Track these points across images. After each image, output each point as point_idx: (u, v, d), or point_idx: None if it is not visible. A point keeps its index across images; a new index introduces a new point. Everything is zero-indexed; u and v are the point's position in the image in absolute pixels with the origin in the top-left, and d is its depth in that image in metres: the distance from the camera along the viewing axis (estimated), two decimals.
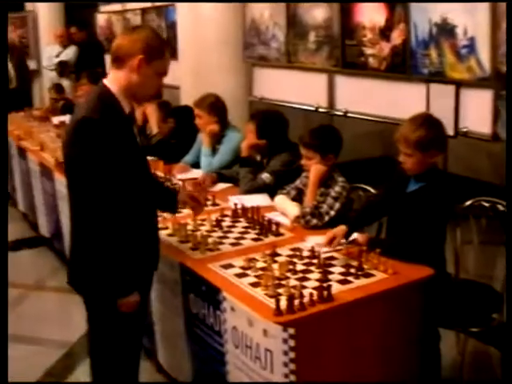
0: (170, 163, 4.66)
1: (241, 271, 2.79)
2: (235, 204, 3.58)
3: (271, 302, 2.46)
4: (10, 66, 8.28)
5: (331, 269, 2.78)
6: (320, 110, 5.21)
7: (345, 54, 4.83)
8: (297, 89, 5.48)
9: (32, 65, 9.52)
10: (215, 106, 4.40)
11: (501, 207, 3.28)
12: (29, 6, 10.25)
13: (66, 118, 6.69)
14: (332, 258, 2.91)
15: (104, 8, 8.96)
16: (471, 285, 3.27)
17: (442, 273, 2.94)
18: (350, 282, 2.66)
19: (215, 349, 2.76)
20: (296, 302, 2.41)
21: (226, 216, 3.52)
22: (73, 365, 3.75)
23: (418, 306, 2.74)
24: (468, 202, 3.38)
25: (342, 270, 2.76)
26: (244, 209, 3.53)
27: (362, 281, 2.66)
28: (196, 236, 3.17)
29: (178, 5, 6.04)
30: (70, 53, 8.41)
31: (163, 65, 2.56)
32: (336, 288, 2.58)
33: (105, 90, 2.52)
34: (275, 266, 2.80)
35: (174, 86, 6.07)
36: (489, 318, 3.14)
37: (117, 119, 2.47)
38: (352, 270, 2.73)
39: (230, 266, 2.86)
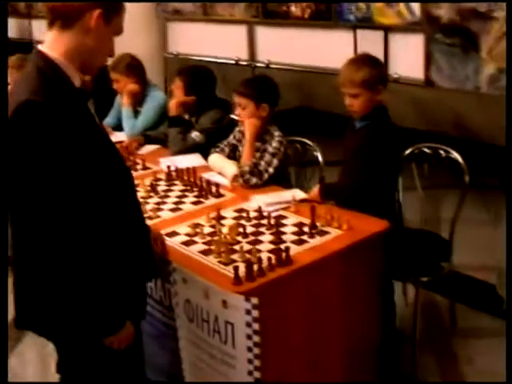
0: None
1: (188, 238, 2.60)
2: (168, 166, 3.35)
3: (227, 271, 2.29)
4: None
5: (283, 229, 2.63)
6: (241, 62, 4.99)
7: (265, 4, 4.61)
8: (215, 42, 5.24)
9: None
10: (132, 65, 4.11)
11: (442, 152, 3.22)
12: None
13: None
14: (282, 216, 2.76)
15: None
16: (419, 234, 3.21)
17: (394, 222, 2.85)
18: (304, 241, 2.52)
19: (165, 324, 2.58)
20: (255, 267, 2.25)
21: (160, 180, 3.30)
22: None
23: (376, 260, 2.64)
24: (409, 150, 3.30)
25: (295, 229, 2.62)
26: (178, 170, 3.32)
27: (317, 240, 2.52)
28: None
29: None
30: None
31: (121, 21, 1.95)
32: (292, 249, 2.43)
33: (45, 60, 1.85)
34: (224, 229, 2.62)
35: None
36: (438, 266, 3.10)
37: (66, 98, 1.82)
38: (305, 229, 2.60)
39: (175, 233, 2.66)
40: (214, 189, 3.07)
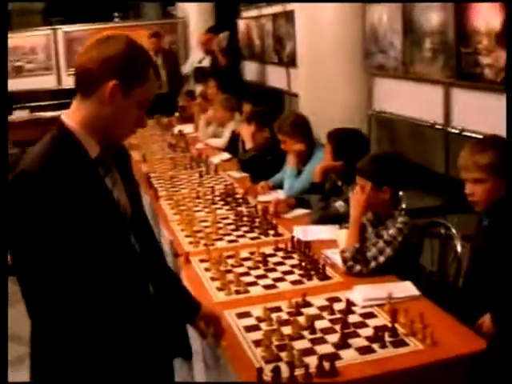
0: (257, 181, 4.34)
1: (254, 323, 2.40)
2: (292, 237, 3.17)
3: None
4: (162, 71, 8.43)
5: (360, 330, 2.29)
6: (436, 126, 4.59)
7: (460, 64, 4.18)
8: (413, 101, 4.89)
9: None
10: (296, 124, 3.99)
11: None
12: (180, 12, 10.40)
13: (185, 128, 6.62)
14: (369, 315, 2.42)
15: (245, 14, 8.82)
16: None
17: None
18: (372, 351, 2.16)
19: None
20: (285, 372, 1.98)
21: (280, 250, 3.12)
22: None
23: None
24: None
25: (370, 333, 2.26)
26: (299, 242, 3.11)
27: (387, 351, 2.15)
28: (225, 275, 2.81)
29: (297, 9, 5.68)
30: (209, 59, 8.35)
31: (146, 92, 1.84)
32: (350, 358, 2.11)
33: (61, 128, 1.82)
34: (300, 318, 2.37)
35: (293, 93, 5.72)
36: None
37: (73, 171, 1.76)
38: (384, 335, 2.23)
39: (246, 314, 2.47)
40: (321, 269, 2.82)
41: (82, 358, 1.75)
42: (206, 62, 8.40)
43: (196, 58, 8.95)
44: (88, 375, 1.75)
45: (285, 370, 2.00)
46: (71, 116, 1.84)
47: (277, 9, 7.02)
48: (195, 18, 9.97)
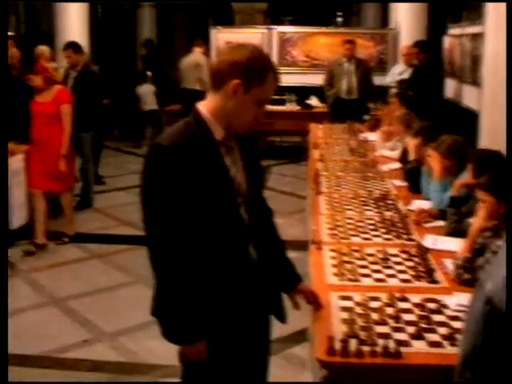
0: (415, 192, 4.63)
1: (351, 306, 2.76)
2: (418, 245, 3.45)
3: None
4: (354, 78, 8.86)
5: (440, 328, 2.56)
6: None
7: None
8: None
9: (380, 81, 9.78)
10: (453, 149, 4.12)
11: None
12: (392, 23, 10.67)
13: (370, 135, 6.97)
14: (456, 318, 2.67)
15: (451, 31, 8.88)
16: None
17: None
18: (441, 346, 2.43)
19: None
20: (353, 345, 2.34)
21: (406, 253, 3.42)
22: None
23: None
24: None
25: (447, 332, 2.53)
26: (423, 249, 3.39)
27: (455, 349, 2.38)
28: (344, 264, 3.19)
29: (487, 29, 5.78)
30: (409, 72, 8.57)
31: (264, 92, 2.29)
32: (419, 347, 2.41)
33: (196, 114, 2.34)
34: (390, 309, 2.70)
35: (473, 110, 5.82)
36: None
37: (198, 147, 2.26)
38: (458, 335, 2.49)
39: (348, 298, 2.84)
40: (432, 273, 3.09)
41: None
42: (407, 75, 8.64)
43: (398, 69, 9.22)
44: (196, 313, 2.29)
45: (354, 345, 2.36)
46: (204, 105, 2.36)
47: (477, 29, 7.09)
48: (406, 30, 10.17)
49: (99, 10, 16.14)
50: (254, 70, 2.26)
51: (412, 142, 4.95)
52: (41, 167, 6.20)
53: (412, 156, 4.97)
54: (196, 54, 10.74)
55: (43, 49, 8.25)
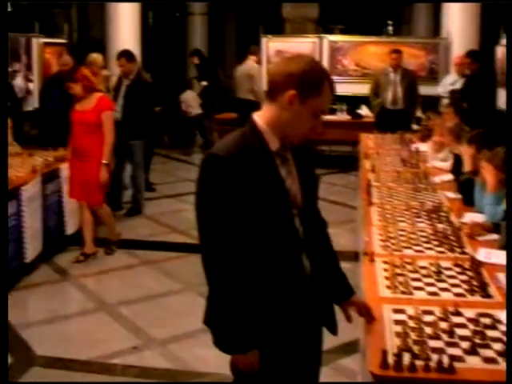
0: (469, 205, 4.57)
1: (404, 319, 2.74)
2: (471, 258, 3.41)
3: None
4: (399, 88, 8.79)
5: (494, 344, 2.52)
6: None
7: None
8: None
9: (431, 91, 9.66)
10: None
11: None
12: (444, 32, 10.55)
13: (422, 146, 6.91)
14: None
15: (504, 41, 8.74)
16: None
17: None
18: (495, 362, 2.40)
19: None
20: (406, 359, 2.33)
21: (458, 266, 3.38)
22: None
23: None
24: None
25: (502, 348, 2.49)
26: (477, 262, 3.35)
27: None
28: (396, 277, 3.17)
29: None
30: (461, 82, 8.48)
31: (320, 103, 2.29)
32: (473, 363, 2.38)
33: (252, 124, 2.35)
34: (444, 324, 2.67)
35: None
36: None
37: (253, 158, 2.28)
38: None
39: (401, 311, 2.82)
40: (485, 288, 3.05)
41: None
42: (459, 85, 8.54)
43: (450, 79, 9.12)
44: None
45: (408, 359, 2.34)
46: (260, 115, 2.37)
47: None
48: (458, 39, 10.06)
49: (150, 17, 16.41)
50: (309, 81, 2.27)
51: (467, 151, 4.88)
52: (78, 177, 6.11)
53: (467, 166, 4.89)
54: (249, 63, 10.75)
55: (95, 56, 8.39)
